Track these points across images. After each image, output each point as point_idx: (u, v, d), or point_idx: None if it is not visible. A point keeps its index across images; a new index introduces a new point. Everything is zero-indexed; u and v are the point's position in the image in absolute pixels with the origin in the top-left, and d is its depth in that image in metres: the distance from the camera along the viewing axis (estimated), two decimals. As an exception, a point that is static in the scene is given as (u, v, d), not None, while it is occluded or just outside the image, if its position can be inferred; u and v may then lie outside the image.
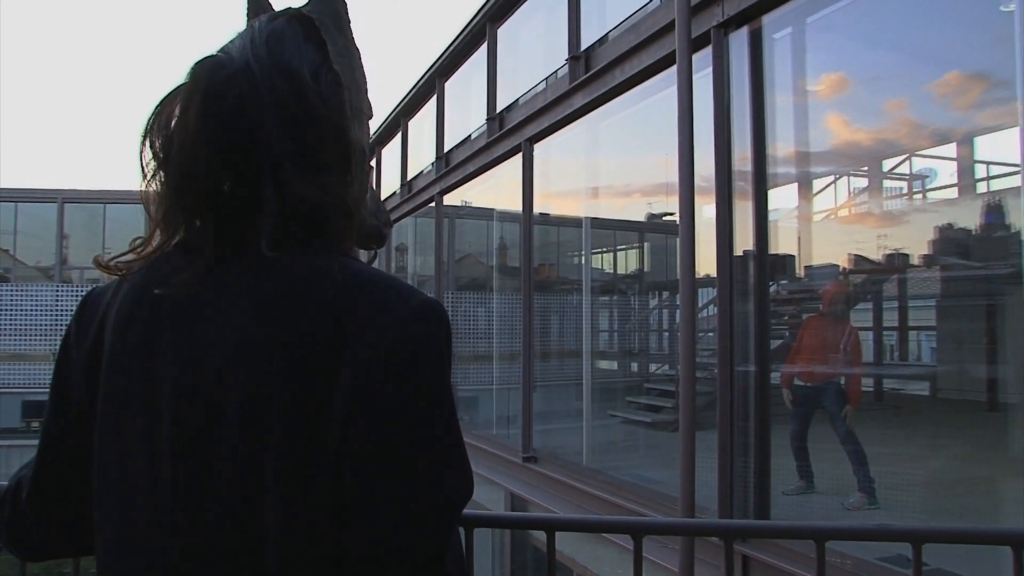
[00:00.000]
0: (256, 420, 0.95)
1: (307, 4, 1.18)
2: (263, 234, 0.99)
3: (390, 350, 0.96)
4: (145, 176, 1.04)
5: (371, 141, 1.22)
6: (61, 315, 20.15)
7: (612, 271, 15.25)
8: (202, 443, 0.96)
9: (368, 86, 1.21)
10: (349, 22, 1.20)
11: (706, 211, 5.61)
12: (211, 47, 1.07)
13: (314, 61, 1.06)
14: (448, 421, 1.00)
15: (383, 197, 15.08)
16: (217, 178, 1.01)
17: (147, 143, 1.03)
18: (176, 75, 1.04)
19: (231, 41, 1.07)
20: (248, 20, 1.17)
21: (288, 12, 1.11)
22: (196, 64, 1.03)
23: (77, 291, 20.89)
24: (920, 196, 10.64)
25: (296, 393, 0.95)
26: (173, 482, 0.97)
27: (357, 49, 1.20)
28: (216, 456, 0.95)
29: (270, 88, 1.02)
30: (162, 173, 1.03)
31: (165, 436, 0.97)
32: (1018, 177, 5.28)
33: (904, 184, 10.90)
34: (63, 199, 22.39)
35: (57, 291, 20.73)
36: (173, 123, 1.02)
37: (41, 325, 20.18)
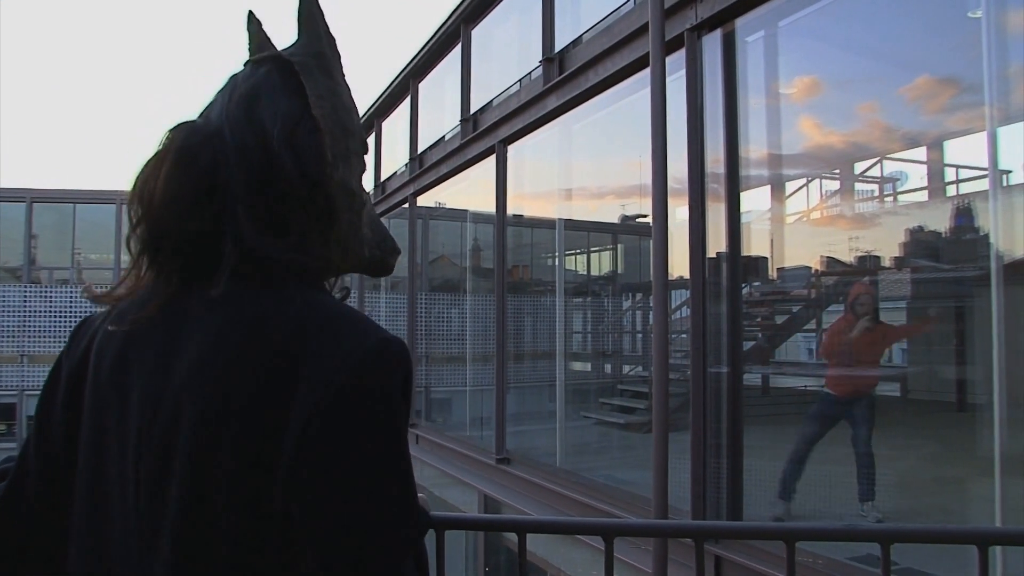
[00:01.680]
0: (208, 448, 0.98)
1: (292, 45, 1.18)
2: (215, 282, 1.04)
3: (340, 390, 0.97)
4: (131, 224, 1.10)
5: (364, 168, 1.22)
6: (29, 316, 19.92)
7: (586, 273, 15.29)
8: (160, 467, 1.00)
9: (358, 117, 1.22)
10: (336, 59, 1.20)
11: (679, 213, 5.63)
12: (194, 105, 1.17)
13: (290, 114, 1.10)
14: (393, 465, 1.01)
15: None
16: (184, 233, 1.06)
17: (131, 201, 1.09)
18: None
19: (212, 100, 1.14)
20: (249, 53, 1.21)
21: (270, 58, 1.16)
22: (172, 129, 1.10)
23: (46, 292, 20.67)
24: (891, 199, 10.76)
25: (246, 424, 0.97)
26: (136, 501, 1.02)
27: (346, 88, 1.20)
28: (171, 480, 0.99)
29: (240, 149, 1.08)
30: (140, 227, 1.08)
31: (131, 455, 1.03)
32: (986, 180, 5.34)
33: (875, 187, 11.02)
34: (32, 198, 22.09)
35: (25, 292, 20.46)
36: (150, 183, 1.07)
37: (9, 326, 19.93)
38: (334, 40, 1.21)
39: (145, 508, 1.00)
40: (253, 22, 1.23)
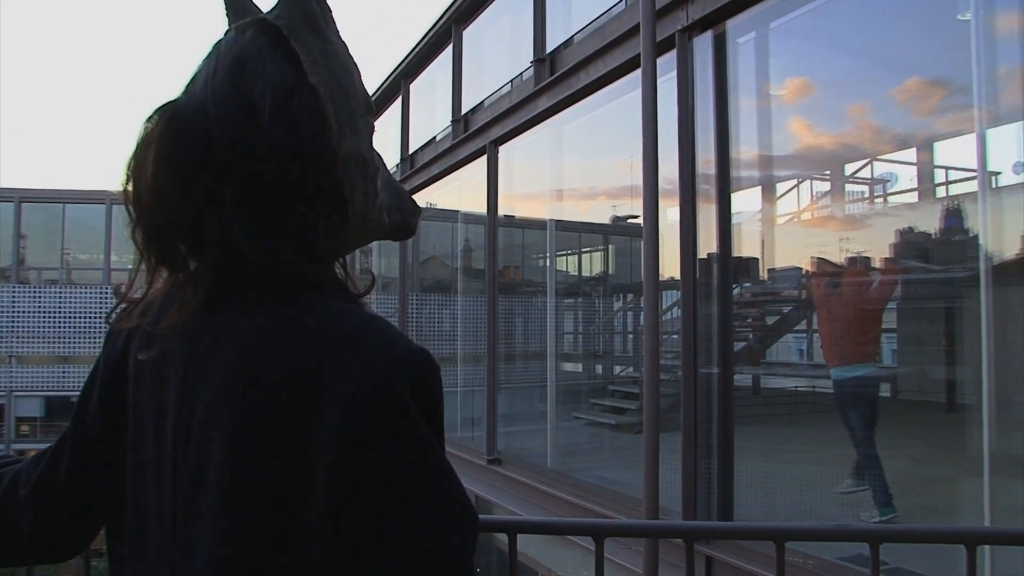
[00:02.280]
0: (239, 466, 0.94)
1: (275, 7, 1.06)
2: (205, 288, 0.98)
3: (366, 412, 0.91)
4: (130, 221, 1.03)
5: (372, 130, 1.13)
6: (18, 317, 19.85)
7: (577, 273, 15.30)
8: (194, 483, 0.97)
9: (359, 76, 1.10)
10: (327, 19, 1.06)
11: (670, 214, 5.65)
12: (182, 74, 1.05)
13: (284, 81, 1.00)
14: (433, 480, 0.94)
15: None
16: (184, 228, 1.00)
17: (124, 199, 1.02)
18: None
19: (196, 72, 1.04)
20: (228, 21, 1.08)
21: (254, 23, 1.04)
22: (156, 111, 1.00)
23: (35, 292, 20.61)
24: (881, 200, 10.79)
25: (275, 454, 0.93)
26: (172, 516, 0.99)
27: (342, 45, 1.08)
28: (204, 495, 0.96)
29: (226, 125, 0.98)
30: (137, 229, 1.01)
31: (167, 471, 1.00)
32: (976, 182, 5.36)
33: (866, 188, 11.06)
34: (20, 198, 22.02)
35: (14, 292, 20.38)
36: (137, 176, 1.00)
37: (-2, 326, 19.87)
38: None
39: (180, 534, 0.97)
40: None
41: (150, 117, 1.00)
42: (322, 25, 1.05)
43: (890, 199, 10.65)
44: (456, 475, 0.97)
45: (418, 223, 1.20)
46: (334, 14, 1.07)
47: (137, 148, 1.00)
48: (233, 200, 0.97)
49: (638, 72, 5.28)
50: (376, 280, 1.19)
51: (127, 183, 1.00)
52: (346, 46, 1.08)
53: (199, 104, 0.99)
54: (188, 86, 1.03)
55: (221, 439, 0.94)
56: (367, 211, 1.06)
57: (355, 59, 1.09)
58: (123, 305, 1.09)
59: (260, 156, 0.97)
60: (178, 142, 0.98)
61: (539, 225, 10.02)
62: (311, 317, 0.97)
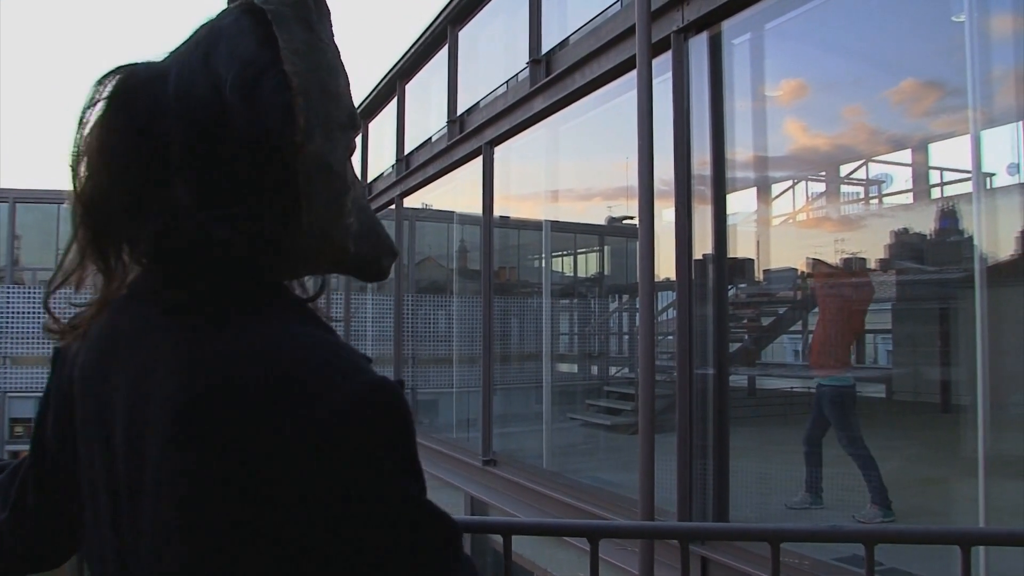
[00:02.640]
0: (183, 500, 0.87)
1: None
2: (161, 286, 0.92)
3: (323, 447, 0.84)
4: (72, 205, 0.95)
5: (352, 148, 1.03)
6: (12, 317, 19.80)
7: (572, 274, 15.31)
8: (132, 507, 0.92)
9: (347, 86, 1.02)
10: (322, 14, 1.00)
11: (666, 215, 5.64)
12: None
13: (254, 61, 0.91)
14: (398, 516, 0.90)
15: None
16: (122, 214, 0.93)
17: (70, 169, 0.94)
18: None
19: (180, 44, 0.97)
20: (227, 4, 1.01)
21: (241, 4, 0.97)
22: (110, 71, 0.94)
23: (29, 293, 20.54)
24: (876, 201, 10.81)
25: (222, 474, 0.86)
26: (117, 537, 0.95)
27: (333, 47, 1.00)
28: (143, 518, 0.91)
29: (184, 97, 0.91)
30: (76, 207, 0.94)
31: (112, 490, 0.95)
32: (970, 183, 5.37)
33: (861, 189, 11.07)
34: (15, 199, 21.95)
35: (8, 293, 20.34)
36: (79, 144, 0.94)
37: (-8, 328, 19.82)
38: None
39: (124, 552, 0.94)
40: None
41: (102, 78, 0.94)
42: (314, 19, 0.98)
43: (885, 200, 10.67)
44: (432, 508, 0.94)
45: (391, 267, 1.10)
46: (332, 18, 1.02)
47: (82, 110, 0.94)
48: (178, 177, 0.90)
49: (634, 73, 5.28)
50: (327, 284, 1.09)
51: (69, 153, 0.94)
52: (338, 50, 1.02)
53: (160, 70, 0.94)
54: (170, 54, 0.98)
55: (164, 470, 0.88)
56: (327, 228, 0.96)
57: (346, 68, 1.03)
58: (82, 315, 1.04)
59: (214, 134, 0.90)
60: (128, 105, 0.92)
61: (535, 226, 10.03)
62: (263, 340, 0.90)
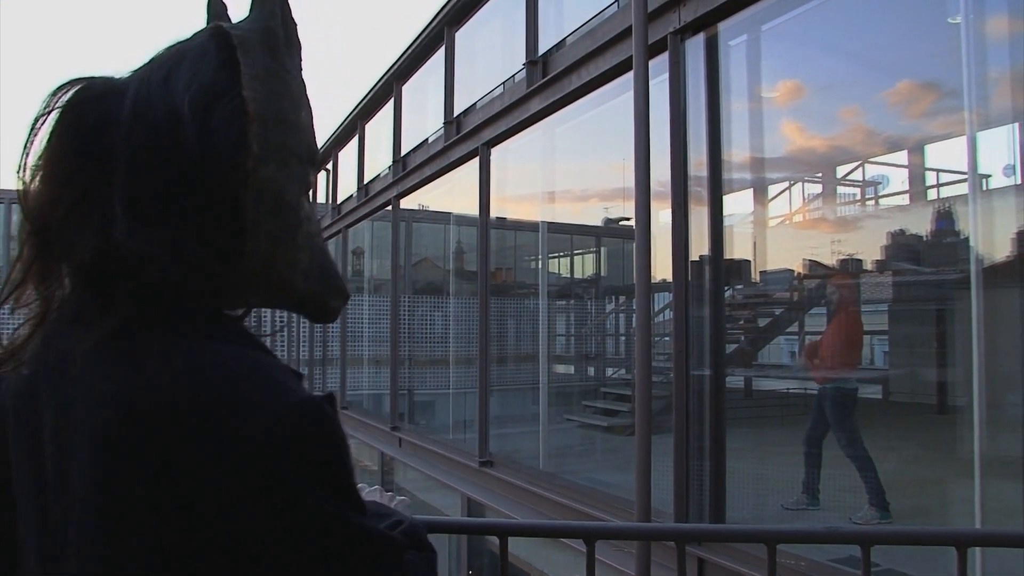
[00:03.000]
0: (106, 526, 0.85)
1: (243, 19, 0.99)
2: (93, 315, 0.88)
3: (245, 471, 0.82)
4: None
5: (310, 184, 1.01)
6: (9, 322, 19.78)
7: (569, 275, 15.32)
8: (60, 540, 0.89)
9: (310, 121, 1.01)
10: (292, 45, 1.00)
11: (662, 216, 5.64)
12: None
13: (213, 84, 0.91)
14: (330, 526, 0.87)
15: (340, 200, 15.00)
16: (62, 231, 0.90)
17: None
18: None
19: (146, 62, 0.96)
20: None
21: (209, 27, 0.97)
22: (67, 81, 0.93)
23: (26, 294, 20.52)
24: (873, 202, 10.82)
25: (148, 504, 0.84)
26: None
27: (298, 79, 1.00)
28: (67, 551, 0.88)
29: (139, 114, 0.89)
30: (24, 223, 0.92)
31: (37, 526, 0.92)
32: (966, 184, 5.38)
33: (857, 190, 11.08)
34: (11, 200, 21.89)
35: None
36: (29, 155, 0.92)
37: (-12, 329, 19.77)
38: (293, 25, 1.00)
39: None
40: (215, 4, 1.04)
41: (57, 88, 0.92)
42: (281, 49, 0.97)
43: (881, 201, 10.69)
44: (366, 528, 0.91)
45: (341, 310, 1.07)
46: (303, 52, 1.02)
47: (34, 119, 0.92)
48: (118, 196, 0.88)
49: (630, 74, 5.29)
50: (249, 312, 1.05)
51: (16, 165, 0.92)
52: (304, 84, 1.01)
53: (118, 87, 0.92)
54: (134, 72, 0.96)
55: (90, 498, 0.86)
56: (273, 260, 0.93)
57: (311, 103, 1.01)
58: (18, 337, 0.98)
59: (163, 154, 0.89)
60: (78, 118, 0.91)
61: (531, 227, 10.03)
62: (189, 362, 0.87)
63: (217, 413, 0.84)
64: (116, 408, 0.85)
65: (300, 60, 1.01)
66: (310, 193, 1.01)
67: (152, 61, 0.94)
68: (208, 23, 1.01)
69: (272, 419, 0.84)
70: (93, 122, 0.90)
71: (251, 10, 0.98)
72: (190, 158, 0.88)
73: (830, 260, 9.44)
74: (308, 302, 1.02)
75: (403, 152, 11.42)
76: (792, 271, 9.81)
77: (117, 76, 0.95)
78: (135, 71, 0.94)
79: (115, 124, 0.89)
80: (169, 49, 0.95)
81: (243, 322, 1.01)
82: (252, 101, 0.90)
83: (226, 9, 1.03)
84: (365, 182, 13.29)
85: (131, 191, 0.88)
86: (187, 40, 0.96)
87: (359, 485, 1.41)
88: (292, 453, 0.84)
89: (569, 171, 9.94)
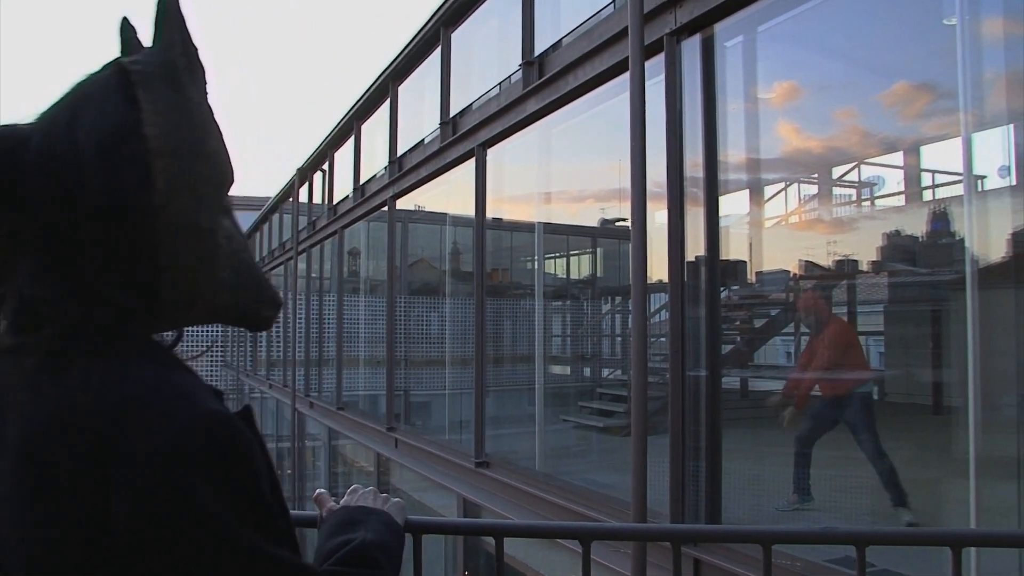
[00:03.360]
0: (26, 537, 0.86)
1: (146, 50, 1.00)
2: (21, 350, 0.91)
3: (145, 490, 0.83)
4: None
5: (226, 206, 1.03)
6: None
7: (565, 276, 15.31)
8: None
9: (220, 145, 1.02)
10: (195, 72, 1.00)
11: (658, 217, 5.65)
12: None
13: (116, 125, 0.92)
14: (225, 548, 0.86)
15: (336, 200, 14.99)
16: None
17: None
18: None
19: (51, 104, 0.97)
20: (120, 53, 1.03)
21: (113, 63, 0.99)
22: None
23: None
24: (868, 203, 10.82)
25: (63, 532, 0.85)
26: None
27: (204, 106, 1.01)
28: None
29: (44, 162, 0.91)
30: None
31: None
32: (962, 185, 5.39)
33: (853, 191, 11.09)
34: None
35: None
36: None
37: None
38: (194, 50, 1.00)
39: None
40: (127, 29, 1.04)
41: None
42: (184, 80, 0.98)
43: (877, 202, 10.69)
44: (266, 552, 0.89)
45: (275, 317, 1.10)
46: (207, 76, 1.03)
47: None
48: (32, 243, 0.92)
49: (626, 75, 5.29)
50: (182, 337, 1.07)
51: None
52: (210, 109, 1.02)
53: (23, 134, 0.94)
54: (41, 114, 0.98)
55: (10, 506, 0.88)
56: (196, 285, 0.97)
57: (219, 126, 1.03)
58: None
59: (71, 199, 0.90)
60: None
61: (527, 228, 10.02)
62: (99, 380, 0.88)
63: (124, 425, 0.84)
64: (38, 422, 0.87)
65: (204, 85, 1.02)
66: (229, 211, 1.04)
67: (58, 103, 0.96)
68: (120, 47, 1.03)
69: (175, 431, 0.84)
70: (2, 175, 0.92)
71: (153, 40, 0.99)
72: (97, 201, 0.90)
73: (826, 261, 9.45)
74: (241, 315, 1.06)
75: (399, 153, 11.42)
76: (788, 272, 9.81)
77: (21, 123, 0.96)
78: (42, 115, 0.96)
79: (24, 174, 0.91)
80: (75, 89, 0.96)
81: (177, 344, 1.04)
82: (155, 138, 0.92)
83: (136, 33, 1.03)
84: (361, 183, 13.28)
85: (40, 241, 0.91)
86: (89, 78, 0.97)
87: (353, 487, 1.42)
88: (193, 467, 0.84)
89: (565, 172, 9.93)
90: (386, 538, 1.25)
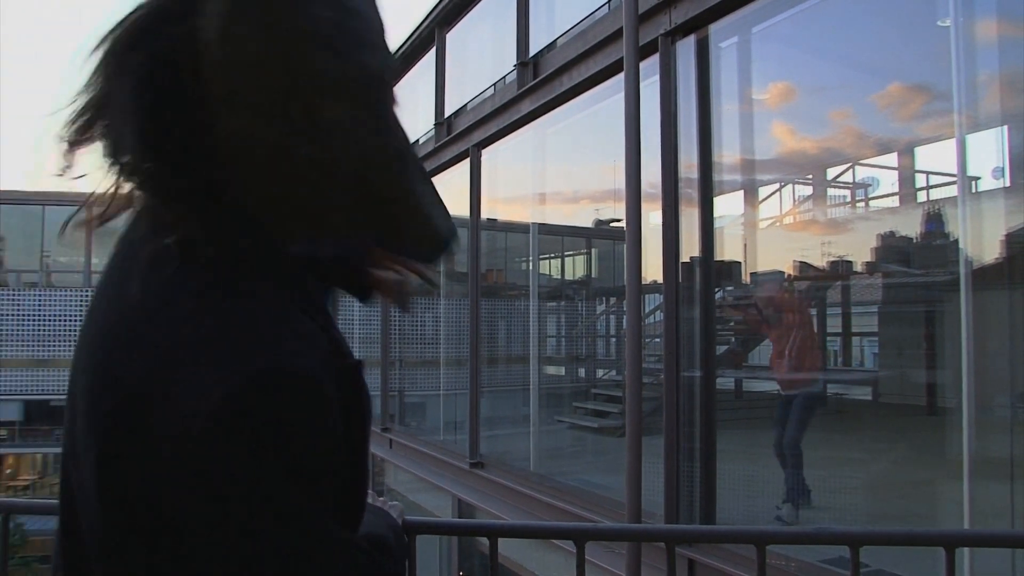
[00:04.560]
0: (92, 463, 0.80)
1: None
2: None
3: (193, 438, 0.74)
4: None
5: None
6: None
7: (560, 277, 15.29)
8: (71, 465, 0.85)
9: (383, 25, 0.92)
10: None
11: (653, 217, 5.65)
12: None
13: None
14: (257, 532, 0.76)
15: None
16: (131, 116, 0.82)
17: None
18: None
19: None
20: None
21: None
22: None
23: (14, 296, 20.44)
24: (863, 204, 10.84)
25: (111, 449, 0.78)
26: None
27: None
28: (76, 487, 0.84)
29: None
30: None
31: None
32: (956, 186, 5.40)
33: (848, 192, 11.10)
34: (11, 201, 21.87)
35: (-6, 295, 20.25)
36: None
37: (-24, 330, 19.71)
38: None
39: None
40: None
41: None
42: None
43: (872, 203, 10.71)
44: (318, 526, 0.81)
45: (452, 248, 0.99)
46: None
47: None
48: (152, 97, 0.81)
49: (621, 76, 5.29)
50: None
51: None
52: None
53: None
54: None
55: (86, 431, 0.82)
56: (366, 170, 0.88)
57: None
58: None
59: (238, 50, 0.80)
60: (142, 33, 0.84)
61: (522, 229, 10.02)
62: (173, 310, 0.80)
63: (189, 365, 0.76)
64: (108, 345, 0.82)
65: None
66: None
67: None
68: None
69: (239, 379, 0.75)
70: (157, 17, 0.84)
71: None
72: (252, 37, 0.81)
73: (820, 262, 9.46)
74: (429, 239, 0.92)
75: (394, 153, 11.39)
76: (783, 272, 9.81)
77: None
78: None
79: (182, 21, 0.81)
80: None
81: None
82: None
83: None
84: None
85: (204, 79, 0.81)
86: None
87: None
88: (238, 435, 0.74)
89: (560, 172, 9.93)
90: (389, 538, 1.21)
